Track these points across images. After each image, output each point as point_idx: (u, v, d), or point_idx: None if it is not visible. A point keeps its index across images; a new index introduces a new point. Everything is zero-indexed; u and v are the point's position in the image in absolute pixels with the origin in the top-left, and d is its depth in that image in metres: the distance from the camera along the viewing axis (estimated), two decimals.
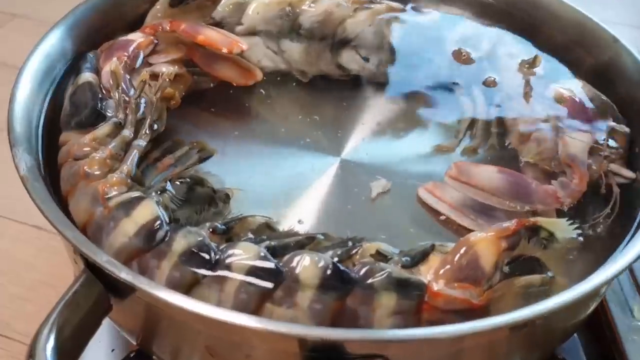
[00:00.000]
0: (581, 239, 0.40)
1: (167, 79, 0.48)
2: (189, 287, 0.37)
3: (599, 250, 0.45)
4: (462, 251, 0.38)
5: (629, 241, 0.43)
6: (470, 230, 0.44)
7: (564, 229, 0.39)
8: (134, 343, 0.44)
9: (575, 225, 0.40)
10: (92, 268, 0.37)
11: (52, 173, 0.45)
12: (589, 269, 0.42)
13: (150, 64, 0.53)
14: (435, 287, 0.37)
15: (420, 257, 0.38)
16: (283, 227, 0.44)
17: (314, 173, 0.50)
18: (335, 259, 0.37)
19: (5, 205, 0.80)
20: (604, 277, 0.37)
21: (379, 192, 0.48)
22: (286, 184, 0.48)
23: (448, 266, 0.37)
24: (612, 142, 0.49)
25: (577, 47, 0.57)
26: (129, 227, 0.39)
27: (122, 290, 0.36)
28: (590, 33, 0.56)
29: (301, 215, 0.46)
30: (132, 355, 0.45)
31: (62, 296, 0.36)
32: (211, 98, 0.56)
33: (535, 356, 0.44)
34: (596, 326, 0.54)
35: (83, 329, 0.36)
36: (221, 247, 0.38)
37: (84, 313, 0.36)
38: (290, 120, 0.54)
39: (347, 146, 0.52)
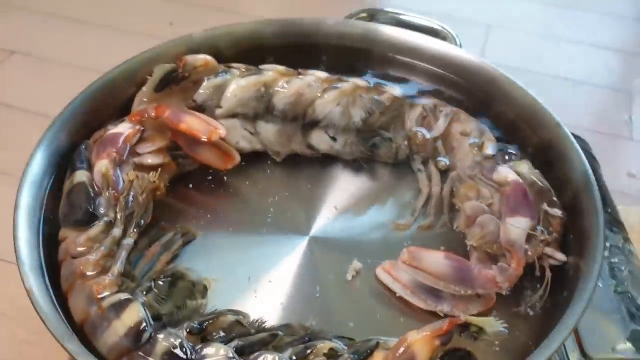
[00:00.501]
0: (507, 331, 0.46)
1: (152, 180, 0.54)
2: None
3: (537, 326, 0.51)
4: (401, 350, 0.44)
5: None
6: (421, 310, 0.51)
7: (492, 324, 0.46)
8: None
9: (501, 321, 0.46)
10: None
11: (53, 269, 0.52)
12: (528, 342, 0.49)
13: (138, 153, 0.59)
14: None
15: (366, 354, 0.45)
16: (255, 313, 0.50)
17: (285, 252, 0.56)
18: (293, 358, 0.44)
19: (10, 251, 0.87)
20: None
21: (353, 275, 0.54)
22: (258, 266, 0.55)
23: None
24: (548, 226, 0.54)
25: (525, 126, 0.63)
26: (119, 328, 0.46)
27: None
28: (538, 114, 0.62)
29: (272, 300, 0.52)
30: None
31: None
32: (194, 178, 0.62)
33: None
34: None
35: None
36: (196, 348, 0.45)
37: None
38: (264, 199, 0.60)
39: (315, 224, 0.59)
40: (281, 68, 0.65)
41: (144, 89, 0.64)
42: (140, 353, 0.44)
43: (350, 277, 0.54)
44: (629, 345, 0.63)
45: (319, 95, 0.63)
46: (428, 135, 0.62)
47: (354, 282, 0.54)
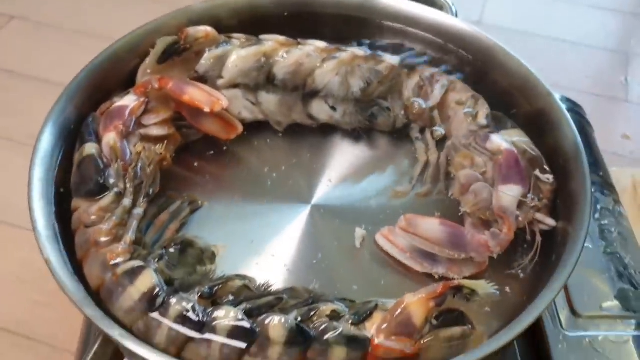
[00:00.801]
0: (498, 293, 0.49)
1: (159, 152, 0.56)
2: (184, 343, 0.47)
3: (527, 287, 0.54)
4: (398, 311, 0.47)
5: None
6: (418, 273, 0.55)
7: (484, 287, 0.49)
8: None
9: (493, 283, 0.49)
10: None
11: (66, 236, 0.54)
12: (519, 303, 0.53)
13: (143, 125, 0.61)
14: (377, 340, 0.47)
15: (366, 315, 0.48)
16: (261, 278, 0.53)
17: (288, 220, 0.59)
18: (298, 319, 0.47)
19: (22, 216, 0.89)
20: (517, 331, 0.46)
21: (361, 242, 0.57)
22: (262, 233, 0.57)
23: (387, 324, 0.47)
24: (539, 193, 0.57)
25: (518, 94, 0.64)
26: (134, 294, 0.48)
27: (128, 350, 0.46)
28: (530, 83, 0.64)
29: (277, 266, 0.55)
30: None
31: (85, 357, 0.46)
32: (198, 148, 0.64)
33: None
34: (531, 334, 0.64)
35: None
36: (207, 311, 0.48)
37: None
38: (266, 169, 0.62)
39: (317, 192, 0.61)
40: (281, 38, 0.66)
41: (147, 61, 0.65)
42: (155, 316, 0.47)
43: (358, 244, 0.57)
44: (616, 302, 0.66)
45: (318, 65, 0.64)
46: (425, 106, 0.64)
47: (354, 248, 0.57)
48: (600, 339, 0.62)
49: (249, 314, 0.48)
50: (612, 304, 0.66)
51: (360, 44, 0.68)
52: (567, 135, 0.59)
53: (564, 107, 0.60)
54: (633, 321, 0.64)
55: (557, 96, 0.61)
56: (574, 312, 0.65)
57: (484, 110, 0.62)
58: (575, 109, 0.85)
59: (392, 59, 0.66)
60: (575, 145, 0.58)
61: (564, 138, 0.59)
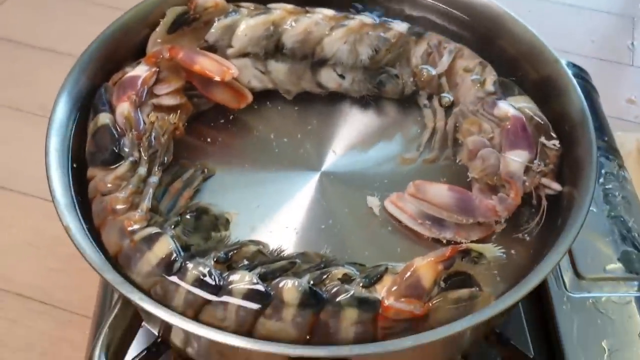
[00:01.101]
0: (505, 256, 0.51)
1: (172, 122, 0.57)
2: (201, 306, 0.49)
3: (533, 250, 0.56)
4: (407, 274, 0.49)
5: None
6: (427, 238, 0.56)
7: (491, 250, 0.50)
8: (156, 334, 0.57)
9: (500, 247, 0.50)
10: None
11: (83, 203, 0.56)
12: (525, 265, 0.54)
13: (156, 95, 0.62)
14: (387, 302, 0.48)
15: (376, 278, 0.49)
16: (273, 243, 0.55)
17: (299, 187, 0.60)
18: (311, 283, 0.49)
19: (34, 185, 0.91)
20: (523, 292, 0.48)
21: (379, 209, 0.58)
22: (273, 200, 0.59)
23: (396, 286, 0.49)
24: (545, 158, 0.58)
25: (524, 61, 0.65)
26: (152, 259, 0.50)
27: (147, 312, 0.48)
28: (537, 50, 0.64)
29: (288, 232, 0.57)
30: (158, 340, 0.57)
31: (106, 320, 0.48)
32: (209, 117, 0.65)
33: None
34: (536, 296, 0.66)
35: (124, 341, 0.49)
36: (224, 275, 0.49)
37: (123, 330, 0.48)
38: (276, 137, 0.64)
39: (326, 160, 0.62)
40: (289, 6, 0.67)
41: (157, 31, 0.66)
42: (173, 280, 0.49)
43: (377, 212, 0.58)
44: (619, 264, 0.68)
45: (326, 33, 0.65)
46: (433, 72, 0.64)
47: (363, 214, 0.58)
48: (604, 300, 0.63)
49: (264, 278, 0.49)
50: (615, 266, 0.68)
51: (368, 12, 0.68)
52: (573, 101, 0.60)
53: (570, 73, 0.61)
54: (636, 282, 0.65)
55: (563, 62, 0.62)
56: (577, 274, 0.66)
57: (491, 77, 0.63)
58: (581, 74, 0.86)
59: (400, 26, 0.67)
60: (582, 111, 0.59)
61: (570, 104, 0.60)
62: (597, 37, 1.23)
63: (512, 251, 0.56)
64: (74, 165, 0.57)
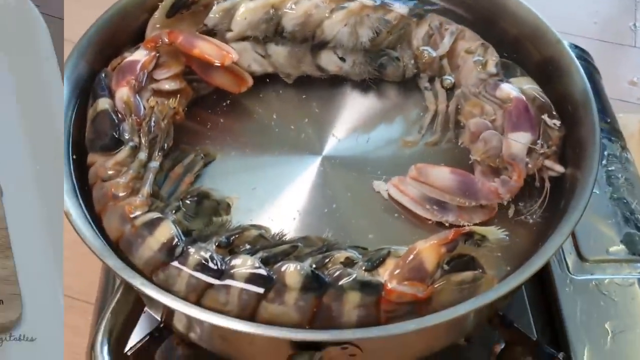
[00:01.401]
0: (508, 238, 0.50)
1: (172, 107, 0.57)
2: (203, 290, 0.49)
3: (536, 233, 0.56)
4: (410, 257, 0.49)
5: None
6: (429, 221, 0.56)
7: (494, 233, 0.50)
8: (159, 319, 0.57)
9: (503, 229, 0.50)
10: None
11: (83, 189, 0.55)
12: (528, 248, 0.54)
13: (155, 80, 0.61)
14: (390, 285, 0.48)
15: (379, 262, 0.49)
16: (275, 227, 0.55)
17: (300, 171, 0.60)
18: (313, 266, 0.49)
19: None
20: (526, 275, 0.48)
21: (387, 192, 0.57)
22: (274, 185, 0.58)
23: (399, 269, 0.48)
24: (547, 140, 0.58)
25: (526, 42, 0.64)
26: (153, 244, 0.50)
27: (149, 297, 0.48)
28: (539, 31, 0.63)
29: (290, 216, 0.56)
30: (161, 326, 0.57)
31: (108, 306, 0.48)
32: (209, 102, 0.64)
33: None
34: (539, 278, 0.66)
35: (126, 326, 0.49)
36: (226, 259, 0.49)
37: (126, 315, 0.48)
38: (277, 121, 0.63)
39: (328, 144, 0.62)
40: None
41: (155, 15, 0.65)
42: (175, 264, 0.49)
43: (386, 196, 0.57)
44: (622, 246, 0.68)
45: (326, 15, 0.64)
46: (434, 54, 0.64)
47: (365, 198, 0.58)
48: (607, 282, 0.63)
49: (266, 262, 0.49)
50: (618, 248, 0.68)
51: None
52: (576, 82, 0.59)
53: (573, 54, 0.60)
54: (639, 264, 0.65)
55: (566, 43, 0.61)
56: (580, 256, 0.66)
57: (493, 59, 0.62)
58: (583, 56, 0.85)
59: (400, 8, 0.66)
60: (585, 92, 0.58)
61: (573, 85, 0.59)
62: (600, 19, 1.22)
63: (515, 234, 0.55)
64: (74, 153, 0.57)
